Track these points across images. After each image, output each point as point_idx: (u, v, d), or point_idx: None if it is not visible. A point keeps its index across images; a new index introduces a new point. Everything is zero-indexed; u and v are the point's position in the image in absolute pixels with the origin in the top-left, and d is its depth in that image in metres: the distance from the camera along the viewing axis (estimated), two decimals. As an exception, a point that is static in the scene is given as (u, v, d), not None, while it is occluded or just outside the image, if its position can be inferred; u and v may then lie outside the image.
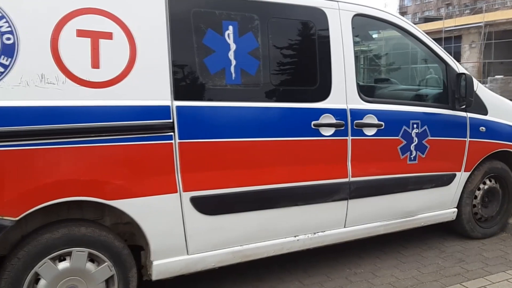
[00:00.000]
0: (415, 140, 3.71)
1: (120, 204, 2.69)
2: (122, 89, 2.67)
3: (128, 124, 2.69)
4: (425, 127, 3.74)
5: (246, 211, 3.09)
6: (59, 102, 2.53)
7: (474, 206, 4.25)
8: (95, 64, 2.60)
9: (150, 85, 2.76)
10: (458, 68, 3.95)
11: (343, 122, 3.35)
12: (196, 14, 2.88)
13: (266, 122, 3.10)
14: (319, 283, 3.45)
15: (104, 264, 2.73)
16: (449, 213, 4.09)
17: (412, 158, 3.72)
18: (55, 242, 2.60)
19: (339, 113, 3.35)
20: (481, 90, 4.13)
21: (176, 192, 2.83)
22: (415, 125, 3.69)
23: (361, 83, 3.89)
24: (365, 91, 3.60)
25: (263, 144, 3.09)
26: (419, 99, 4.09)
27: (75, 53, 2.57)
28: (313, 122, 3.23)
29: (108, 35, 2.64)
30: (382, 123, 3.52)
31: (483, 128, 4.07)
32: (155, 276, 2.90)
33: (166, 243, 2.89)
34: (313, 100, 3.27)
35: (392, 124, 3.58)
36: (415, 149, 3.72)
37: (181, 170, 2.84)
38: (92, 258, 2.72)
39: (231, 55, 2.98)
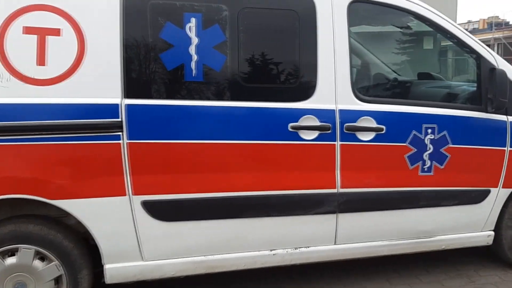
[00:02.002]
0: (430, 148, 3.10)
1: (64, 204, 2.63)
2: (69, 86, 2.60)
3: (73, 122, 2.61)
4: (445, 132, 3.11)
5: (208, 219, 2.84)
6: (3, 100, 2.55)
7: (521, 230, 3.48)
8: (41, 61, 2.56)
9: (100, 82, 2.65)
10: (497, 62, 3.22)
11: (330, 125, 2.91)
12: (153, 6, 2.70)
13: (231, 123, 2.80)
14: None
15: (52, 263, 2.70)
16: (482, 236, 3.38)
17: (426, 169, 3.12)
18: (2, 237, 2.65)
19: (324, 115, 2.92)
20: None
21: (125, 195, 2.69)
22: (429, 130, 3.09)
23: (359, 80, 3.35)
24: (364, 89, 3.12)
25: (227, 148, 2.80)
26: (438, 98, 3.41)
27: (21, 50, 2.55)
28: (290, 124, 2.86)
29: (56, 32, 2.58)
30: (383, 126, 2.99)
31: (531, 135, 3.29)
32: (108, 280, 2.80)
33: (118, 247, 2.77)
34: (292, 100, 2.89)
35: (396, 128, 3.03)
36: (430, 159, 3.12)
37: (131, 172, 2.69)
38: (42, 256, 2.72)
39: (192, 49, 2.74)
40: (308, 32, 2.89)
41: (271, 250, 3.00)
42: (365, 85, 3.43)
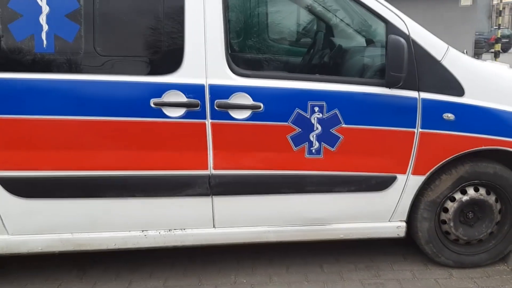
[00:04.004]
0: (317, 128, 2.75)
1: None
2: None
3: None
4: (335, 111, 2.73)
5: (68, 198, 2.75)
6: None
7: (444, 222, 3.04)
8: None
9: None
10: (410, 29, 2.71)
11: (198, 102, 2.66)
12: None
13: (86, 98, 2.63)
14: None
15: None
16: (390, 227, 2.99)
17: (314, 152, 2.78)
18: None
19: (192, 90, 2.66)
20: (455, 60, 2.81)
21: None
22: (316, 108, 2.72)
23: (236, 51, 2.98)
24: (242, 62, 2.78)
25: (83, 124, 2.65)
26: (330, 71, 2.98)
27: None
28: (152, 100, 2.64)
29: None
30: (261, 104, 2.68)
31: (451, 115, 2.78)
32: (-23, 251, 2.85)
33: None
34: (156, 73, 2.65)
35: (276, 106, 2.71)
36: (318, 140, 2.77)
37: None
38: None
39: (42, 19, 2.57)
40: None
41: (142, 231, 2.87)
42: (244, 57, 3.07)
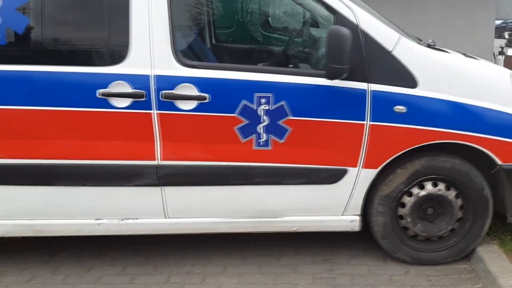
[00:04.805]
0: (265, 120, 2.72)
1: None
2: None
3: None
4: (283, 102, 2.69)
5: (22, 185, 2.84)
6: None
7: (402, 217, 2.96)
8: None
9: None
10: (359, 19, 2.62)
11: (144, 92, 2.68)
12: None
13: (36, 88, 2.70)
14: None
15: None
16: (344, 221, 2.94)
17: (262, 143, 2.76)
18: None
19: (138, 81, 2.69)
20: (407, 50, 2.71)
21: None
22: (263, 100, 2.69)
23: (184, 42, 2.96)
24: (190, 53, 2.78)
25: (34, 114, 2.72)
26: (279, 62, 2.92)
27: None
28: (99, 91, 2.68)
29: None
30: (207, 95, 2.69)
31: (402, 107, 2.70)
32: None
33: None
34: (103, 64, 2.70)
35: (222, 97, 2.71)
36: (266, 132, 2.74)
37: None
38: None
39: None
40: None
41: (96, 219, 2.93)
42: (192, 47, 3.05)
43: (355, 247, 3.24)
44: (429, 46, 3.00)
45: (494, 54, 10.61)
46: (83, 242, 3.23)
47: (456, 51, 3.36)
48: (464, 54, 3.25)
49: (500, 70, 3.06)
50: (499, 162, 2.82)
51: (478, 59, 3.18)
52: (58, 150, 2.78)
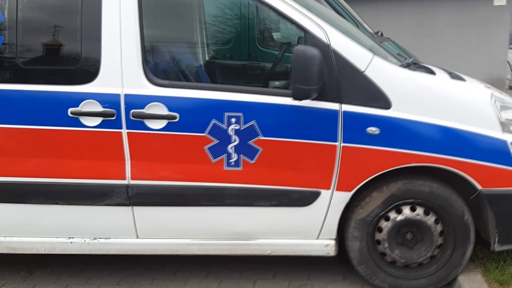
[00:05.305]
0: (235, 140, 2.68)
1: None
2: None
3: None
4: (253, 122, 2.65)
5: (-4, 203, 2.86)
6: None
7: (379, 242, 2.85)
8: None
9: None
10: (330, 38, 2.57)
11: (114, 111, 2.68)
12: None
13: (7, 107, 2.73)
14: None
15: None
16: (318, 245, 2.84)
17: (233, 164, 2.71)
18: None
19: (108, 100, 2.69)
20: (380, 70, 2.63)
21: None
22: (233, 119, 2.65)
23: (154, 61, 2.94)
24: (160, 72, 2.76)
25: (5, 132, 2.74)
26: (249, 82, 2.87)
27: None
28: (70, 110, 2.69)
29: None
30: (176, 114, 2.66)
31: (375, 129, 2.62)
32: None
33: None
34: (74, 83, 2.71)
35: (192, 116, 2.68)
36: (237, 152, 2.69)
37: None
38: None
39: None
40: (91, 10, 2.66)
41: (69, 238, 2.92)
42: (162, 67, 3.03)
43: (333, 272, 3.13)
44: (408, 65, 2.93)
45: (509, 63, 10.37)
46: (62, 260, 3.23)
47: (443, 69, 3.27)
48: (450, 73, 3.15)
49: (479, 91, 2.95)
50: (479, 187, 2.70)
51: (463, 79, 3.08)
52: (30, 168, 2.79)
